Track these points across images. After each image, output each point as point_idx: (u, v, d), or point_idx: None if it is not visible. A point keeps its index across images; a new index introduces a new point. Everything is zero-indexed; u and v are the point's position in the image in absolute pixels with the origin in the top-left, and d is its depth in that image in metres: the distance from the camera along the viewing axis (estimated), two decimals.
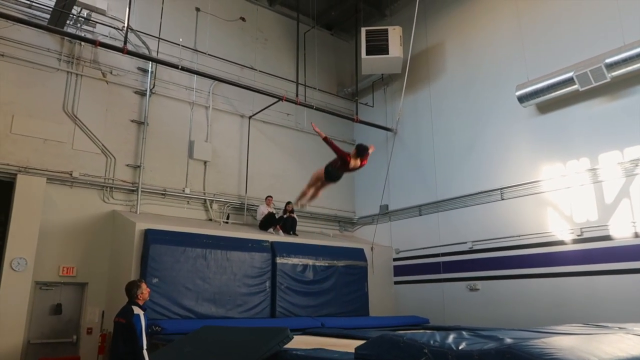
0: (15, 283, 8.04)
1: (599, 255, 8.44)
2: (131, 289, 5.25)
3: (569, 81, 8.85)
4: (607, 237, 8.40)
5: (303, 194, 7.57)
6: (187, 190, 10.81)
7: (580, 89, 8.77)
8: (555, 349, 3.25)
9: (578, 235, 8.79)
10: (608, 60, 8.31)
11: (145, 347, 4.93)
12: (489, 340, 3.76)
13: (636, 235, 8.06)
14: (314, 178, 7.15)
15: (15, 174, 8.67)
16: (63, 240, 9.06)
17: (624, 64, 8.19)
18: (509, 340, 3.56)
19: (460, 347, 3.61)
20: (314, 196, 7.46)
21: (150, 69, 10.71)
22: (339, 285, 10.76)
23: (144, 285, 5.31)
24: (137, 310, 5.07)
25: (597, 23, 9.10)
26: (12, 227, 8.25)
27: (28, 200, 8.50)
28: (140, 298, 5.21)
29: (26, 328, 8.24)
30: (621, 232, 8.25)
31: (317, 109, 12.10)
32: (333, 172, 6.91)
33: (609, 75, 8.34)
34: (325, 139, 6.92)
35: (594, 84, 8.56)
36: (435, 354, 3.67)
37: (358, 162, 6.81)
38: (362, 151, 6.81)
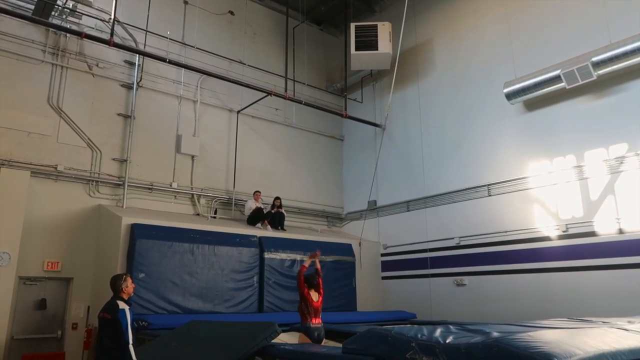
0: None
1: (584, 251, 8.55)
2: (116, 282, 5.19)
3: (556, 79, 8.93)
4: (592, 234, 8.51)
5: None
6: (175, 185, 10.72)
7: (567, 87, 8.85)
8: (541, 342, 3.28)
9: (563, 232, 8.90)
10: (595, 59, 8.39)
11: (131, 342, 4.87)
12: (475, 334, 3.79)
13: (620, 231, 8.18)
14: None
15: None
16: (48, 234, 8.93)
17: (610, 63, 8.28)
18: (495, 334, 3.60)
19: (447, 341, 3.64)
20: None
21: (137, 62, 10.57)
22: (327, 281, 10.63)
23: (129, 279, 5.25)
24: (122, 305, 5.01)
25: (584, 22, 9.19)
26: None
27: (11, 194, 8.34)
28: (125, 292, 5.15)
29: (10, 324, 8.11)
30: (606, 229, 8.36)
31: (306, 104, 12.08)
32: (314, 330, 6.46)
33: (596, 73, 8.43)
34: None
35: (581, 82, 8.64)
36: (422, 347, 3.69)
37: (317, 293, 6.66)
38: (313, 283, 6.68)
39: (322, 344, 6.46)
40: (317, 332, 6.38)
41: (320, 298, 6.65)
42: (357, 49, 11.77)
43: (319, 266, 6.99)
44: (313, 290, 6.60)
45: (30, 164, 8.96)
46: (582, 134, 8.96)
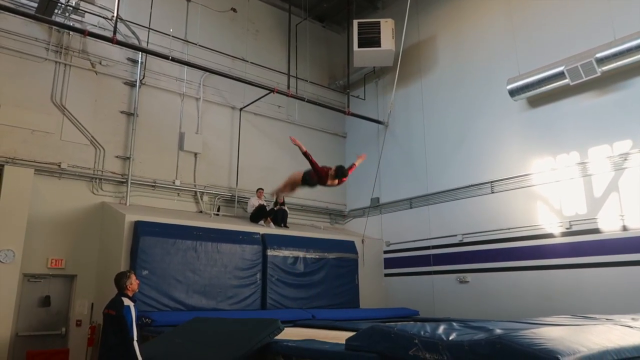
0: (3, 275, 7.95)
1: (587, 248, 8.53)
2: (120, 279, 5.22)
3: (560, 75, 8.89)
4: (596, 230, 8.48)
5: (279, 190, 7.79)
6: (178, 182, 10.73)
7: (571, 83, 8.81)
8: (544, 339, 3.28)
9: (567, 228, 8.87)
10: (598, 55, 8.35)
11: (135, 338, 4.91)
12: (479, 331, 3.78)
13: (624, 228, 8.15)
14: (291, 180, 7.11)
15: (3, 165, 8.55)
16: (51, 232, 8.96)
17: (614, 59, 8.23)
18: (498, 331, 3.59)
19: (450, 338, 3.63)
20: (289, 192, 7.50)
21: (140, 60, 10.58)
22: (330, 278, 10.78)
23: (133, 277, 5.28)
24: (127, 301, 5.04)
25: (588, 18, 9.14)
26: None
27: (15, 192, 8.38)
28: (130, 289, 5.18)
29: (14, 320, 8.15)
30: (609, 226, 8.34)
31: (309, 101, 12.07)
32: (309, 181, 6.88)
33: (600, 69, 8.39)
34: (305, 154, 6.79)
35: (585, 79, 8.60)
36: (425, 344, 3.68)
37: (336, 181, 6.78)
38: (340, 174, 6.79)
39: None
40: (311, 185, 6.94)
41: (335, 185, 6.86)
42: (359, 46, 11.74)
43: (357, 163, 7.19)
44: (336, 179, 6.77)
45: (34, 162, 8.99)
46: (585, 130, 8.93)
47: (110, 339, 5.03)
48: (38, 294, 8.80)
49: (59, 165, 9.30)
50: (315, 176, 6.81)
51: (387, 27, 11.73)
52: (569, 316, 5.94)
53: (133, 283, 5.24)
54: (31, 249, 8.49)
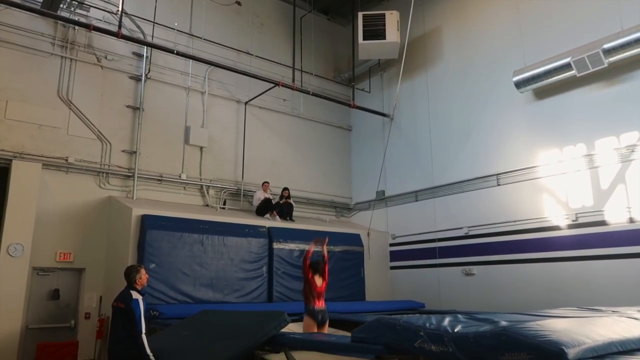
0: (13, 268, 8.05)
1: (593, 240, 8.50)
2: (130, 273, 5.27)
3: (566, 67, 8.83)
4: (602, 223, 8.45)
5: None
6: (184, 176, 10.78)
7: (578, 75, 8.75)
8: (549, 331, 3.29)
9: (573, 221, 8.85)
10: (606, 46, 8.28)
11: (144, 331, 4.97)
12: (484, 323, 3.80)
13: (631, 220, 8.11)
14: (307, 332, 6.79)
15: (11, 160, 8.63)
16: (59, 226, 9.04)
17: (622, 50, 8.16)
18: (504, 323, 3.60)
19: (456, 330, 3.65)
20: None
21: (145, 54, 10.60)
22: (336, 271, 10.77)
23: (142, 271, 5.34)
24: (135, 295, 5.10)
25: (595, 8, 9.05)
26: (8, 213, 8.23)
27: (24, 186, 8.47)
28: (139, 283, 5.23)
29: (24, 313, 8.26)
30: (616, 218, 8.31)
31: (314, 94, 12.06)
32: (317, 312, 6.49)
33: (607, 60, 8.32)
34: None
35: (591, 70, 8.54)
36: (431, 336, 3.71)
37: (321, 279, 6.68)
38: (317, 268, 6.71)
39: (326, 328, 6.55)
40: (321, 314, 6.49)
41: (324, 283, 6.73)
42: (364, 38, 11.69)
43: (325, 253, 7.03)
44: (318, 275, 6.69)
45: (42, 156, 9.06)
46: (592, 122, 8.87)
47: (119, 332, 5.09)
48: (47, 287, 8.91)
49: (66, 160, 9.37)
50: (311, 300, 6.55)
51: (392, 19, 11.67)
52: (575, 308, 5.94)
53: (142, 277, 5.30)
54: (40, 242, 8.58)
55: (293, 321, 6.19)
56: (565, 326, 3.54)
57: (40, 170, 8.76)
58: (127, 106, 10.36)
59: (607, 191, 8.52)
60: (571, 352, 3.02)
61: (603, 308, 5.62)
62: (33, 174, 8.63)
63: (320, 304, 6.53)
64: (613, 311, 5.11)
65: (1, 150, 8.70)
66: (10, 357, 7.82)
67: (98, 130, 9.87)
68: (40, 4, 9.08)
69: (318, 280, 6.66)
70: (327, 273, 6.82)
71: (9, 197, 8.29)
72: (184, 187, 10.83)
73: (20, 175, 8.50)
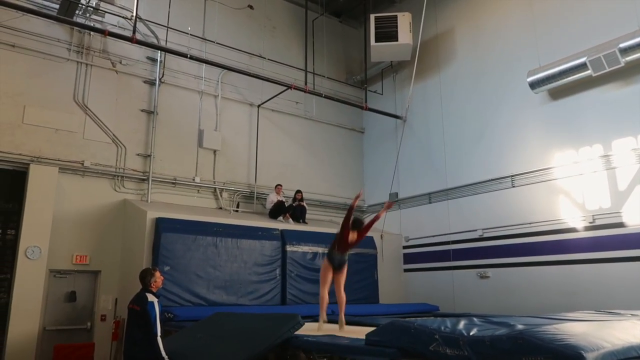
0: (30, 271, 8.18)
1: (611, 243, 8.37)
2: (145, 276, 5.32)
3: (582, 66, 8.71)
4: (620, 224, 8.32)
5: (323, 301, 6.94)
6: (197, 179, 10.86)
7: (594, 75, 8.63)
8: (567, 334, 3.24)
9: (590, 223, 8.72)
10: (622, 45, 8.15)
11: (159, 334, 5.00)
12: (500, 326, 3.76)
13: None
14: (324, 273, 6.81)
15: (28, 164, 8.77)
16: (76, 229, 9.17)
17: (639, 49, 8.04)
18: (520, 327, 3.57)
19: (471, 333, 3.62)
20: (338, 295, 7.19)
21: (159, 58, 10.71)
22: (349, 273, 10.56)
23: (157, 274, 5.38)
24: (151, 297, 5.14)
25: (610, 7, 8.93)
26: (26, 216, 8.37)
27: (41, 190, 8.60)
28: (154, 286, 5.28)
29: (42, 315, 8.38)
30: (634, 219, 8.16)
31: (326, 97, 12.07)
32: (335, 256, 6.69)
33: (623, 60, 8.20)
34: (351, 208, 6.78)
35: (608, 69, 8.41)
36: (446, 339, 3.68)
37: (355, 234, 6.71)
38: (357, 225, 6.76)
39: (343, 274, 6.80)
40: (337, 260, 6.67)
41: (356, 241, 6.77)
42: (377, 40, 11.66)
43: (381, 215, 7.12)
44: (355, 231, 6.71)
45: (58, 160, 9.19)
46: (609, 122, 8.74)
47: (134, 334, 5.14)
48: (64, 290, 9.03)
49: (82, 164, 9.49)
50: (335, 244, 6.70)
51: (404, 20, 11.63)
52: (593, 312, 5.86)
53: (157, 280, 5.35)
54: (57, 245, 8.70)
55: (307, 323, 6.19)
56: (584, 330, 3.49)
57: (57, 174, 8.89)
58: (142, 110, 10.47)
59: (624, 192, 8.39)
60: (590, 356, 2.98)
61: (621, 311, 5.53)
62: (50, 177, 8.76)
63: (340, 251, 6.66)
64: (632, 315, 5.02)
65: (19, 155, 8.85)
66: (27, 358, 7.94)
67: (113, 134, 9.99)
68: (56, 11, 9.24)
69: (352, 235, 6.70)
70: (365, 233, 6.87)
71: (27, 201, 8.43)
72: (198, 190, 10.90)
73: (38, 179, 8.64)
